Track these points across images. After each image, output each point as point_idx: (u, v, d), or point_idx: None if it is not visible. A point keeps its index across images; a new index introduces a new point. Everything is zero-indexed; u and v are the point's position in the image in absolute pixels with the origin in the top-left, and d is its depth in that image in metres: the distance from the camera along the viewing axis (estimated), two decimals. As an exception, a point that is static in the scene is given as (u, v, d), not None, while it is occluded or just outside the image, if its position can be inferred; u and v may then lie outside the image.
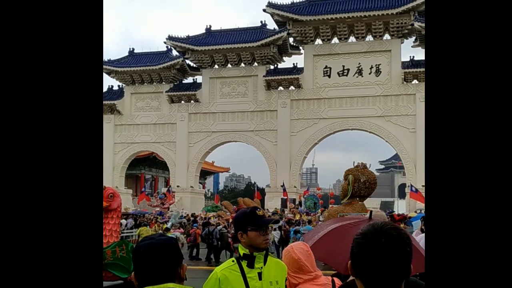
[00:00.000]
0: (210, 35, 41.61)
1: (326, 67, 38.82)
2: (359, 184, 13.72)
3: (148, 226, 23.65)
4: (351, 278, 2.56)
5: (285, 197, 32.92)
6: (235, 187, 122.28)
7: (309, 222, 22.63)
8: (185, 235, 21.82)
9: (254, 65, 40.90)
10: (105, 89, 44.68)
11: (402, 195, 53.46)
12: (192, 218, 27.09)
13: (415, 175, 35.37)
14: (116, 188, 36.17)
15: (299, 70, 39.59)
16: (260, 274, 2.95)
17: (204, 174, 58.43)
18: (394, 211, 32.15)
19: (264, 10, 38.70)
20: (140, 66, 42.58)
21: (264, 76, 39.71)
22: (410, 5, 35.69)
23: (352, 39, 38.79)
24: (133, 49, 45.11)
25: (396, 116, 36.95)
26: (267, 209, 31.55)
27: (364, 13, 36.43)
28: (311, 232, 4.68)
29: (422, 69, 34.61)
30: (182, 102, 42.47)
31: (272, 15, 38.71)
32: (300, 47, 40.34)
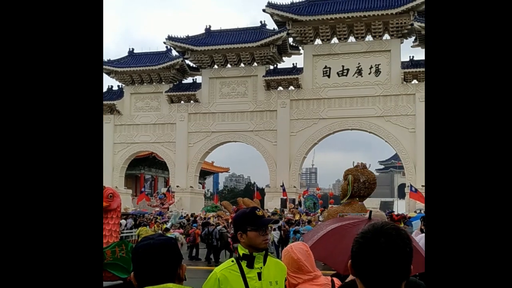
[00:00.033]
0: (210, 35, 41.59)
1: (325, 67, 38.80)
2: (359, 184, 13.75)
3: (147, 226, 23.62)
4: (350, 277, 2.56)
5: (285, 197, 32.90)
6: (234, 187, 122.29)
7: (309, 222, 22.62)
8: (184, 235, 21.80)
9: (253, 65, 40.88)
10: (104, 89, 44.64)
11: (401, 195, 53.41)
12: (191, 218, 27.10)
13: (415, 175, 35.37)
14: (116, 188, 36.17)
15: (299, 70, 39.57)
16: (259, 274, 2.94)
17: (203, 174, 58.41)
18: (393, 211, 32.12)
19: (263, 10, 38.68)
20: (140, 66, 42.56)
21: (263, 76, 39.68)
22: (409, 5, 35.67)
23: (351, 39, 38.77)
24: (133, 49, 45.08)
25: (395, 116, 36.94)
26: (267, 209, 31.54)
27: (363, 13, 36.42)
28: (311, 232, 4.68)
29: (422, 69, 34.62)
30: (182, 102, 42.44)
31: (272, 15, 38.69)
32: (300, 47, 40.31)
